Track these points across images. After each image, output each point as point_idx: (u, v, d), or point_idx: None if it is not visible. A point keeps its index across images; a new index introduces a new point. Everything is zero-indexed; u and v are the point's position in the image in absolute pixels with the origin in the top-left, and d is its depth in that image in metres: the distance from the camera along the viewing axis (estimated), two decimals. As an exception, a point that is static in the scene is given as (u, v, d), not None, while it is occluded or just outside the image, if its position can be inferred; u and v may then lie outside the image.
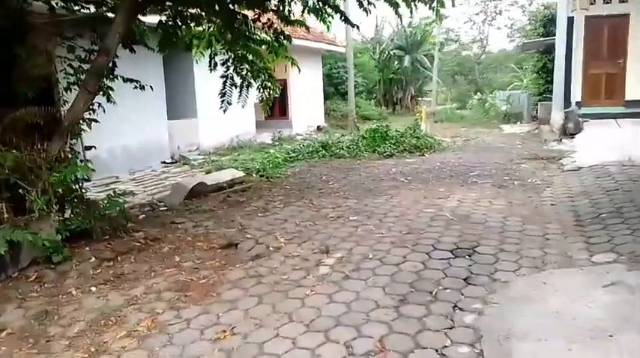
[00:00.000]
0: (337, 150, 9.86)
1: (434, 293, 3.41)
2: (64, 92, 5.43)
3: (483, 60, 34.17)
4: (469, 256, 4.03)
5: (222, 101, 6.90)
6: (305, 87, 16.55)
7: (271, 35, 6.55)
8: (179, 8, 6.19)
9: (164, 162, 10.78)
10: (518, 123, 19.33)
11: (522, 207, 5.51)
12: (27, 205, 4.27)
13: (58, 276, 4.10)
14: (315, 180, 7.64)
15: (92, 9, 5.86)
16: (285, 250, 4.47)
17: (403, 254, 4.14)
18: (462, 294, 3.37)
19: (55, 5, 5.49)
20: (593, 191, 5.80)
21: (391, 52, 25.76)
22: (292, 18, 6.52)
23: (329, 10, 6.60)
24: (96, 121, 5.40)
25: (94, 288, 3.88)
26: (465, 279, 3.60)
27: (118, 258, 4.50)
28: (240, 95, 6.87)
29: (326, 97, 19.54)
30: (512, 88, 26.22)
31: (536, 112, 18.47)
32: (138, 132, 9.92)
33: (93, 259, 4.42)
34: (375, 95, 25.83)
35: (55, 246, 4.24)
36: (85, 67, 5.47)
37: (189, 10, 6.36)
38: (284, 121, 16.74)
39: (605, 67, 12.20)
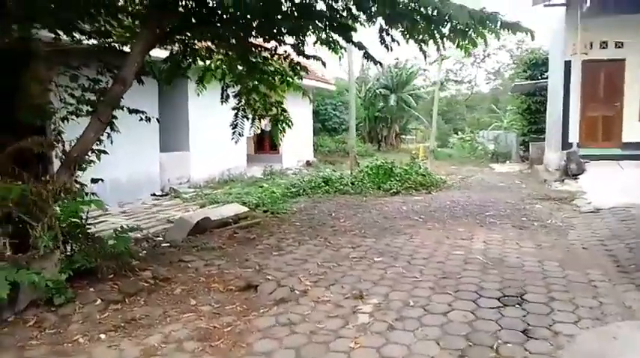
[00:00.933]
0: (341, 186, 9.57)
1: (495, 347, 3.07)
2: (60, 122, 5.06)
3: (461, 101, 34.86)
4: (519, 305, 3.72)
5: (234, 132, 6.65)
6: (295, 122, 16.40)
7: (286, 66, 6.36)
8: (192, 41, 5.97)
9: (154, 195, 10.39)
10: (507, 162, 19.49)
11: (553, 250, 5.25)
12: (30, 241, 3.84)
13: (61, 321, 3.63)
14: (325, 216, 7.30)
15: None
16: (312, 294, 4.09)
17: (447, 301, 3.80)
18: (527, 350, 3.03)
19: (59, 34, 5.20)
20: (624, 234, 5.60)
21: (377, 91, 26.16)
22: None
23: (342, 43, 6.47)
24: (105, 153, 5.04)
25: (103, 336, 3.43)
26: (523, 332, 3.28)
27: (126, 300, 4.06)
28: (251, 126, 6.63)
29: (313, 133, 19.50)
30: (492, 128, 26.75)
31: (524, 152, 18.71)
32: (129, 163, 9.55)
33: (99, 301, 3.97)
34: (360, 132, 25.98)
35: (59, 286, 3.79)
36: (88, 96, 5.14)
37: (201, 43, 6.17)
38: (274, 156, 16.59)
39: (602, 109, 12.35)
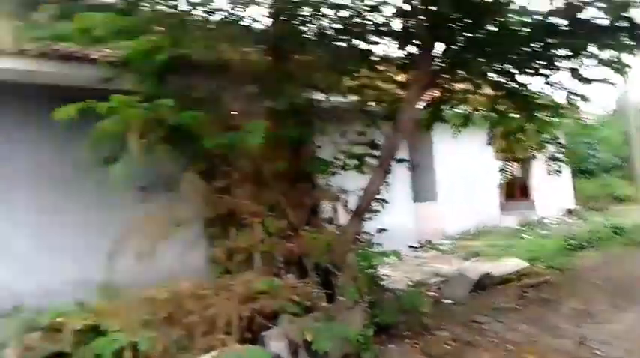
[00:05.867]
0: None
1: None
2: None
3: None
4: None
5: (502, 176, 6.00)
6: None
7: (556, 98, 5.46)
8: (451, 84, 5.57)
9: (411, 247, 10.15)
10: None
11: None
12: (334, 291, 3.82)
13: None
14: (631, 277, 5.88)
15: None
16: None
17: None
18: None
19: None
20: None
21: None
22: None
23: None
24: (386, 202, 4.97)
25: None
26: None
27: (432, 363, 3.69)
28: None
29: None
30: None
31: None
32: (385, 214, 9.54)
33: (402, 361, 3.69)
34: (623, 172, 21.91)
35: (367, 341, 3.62)
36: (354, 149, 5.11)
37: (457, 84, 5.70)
38: (524, 203, 14.94)
39: None
